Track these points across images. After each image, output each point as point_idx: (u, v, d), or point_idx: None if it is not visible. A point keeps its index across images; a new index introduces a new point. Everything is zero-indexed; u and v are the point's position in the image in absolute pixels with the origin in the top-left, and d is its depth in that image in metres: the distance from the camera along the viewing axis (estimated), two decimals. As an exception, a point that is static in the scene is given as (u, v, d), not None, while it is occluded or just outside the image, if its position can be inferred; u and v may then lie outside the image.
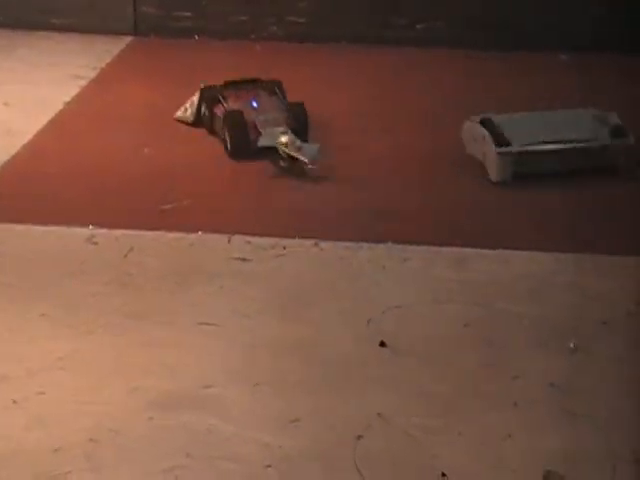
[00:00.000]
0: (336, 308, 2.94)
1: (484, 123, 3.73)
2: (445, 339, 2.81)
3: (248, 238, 3.27)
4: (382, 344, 2.76)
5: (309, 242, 3.26)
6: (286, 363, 2.70)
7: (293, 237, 3.28)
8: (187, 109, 4.09)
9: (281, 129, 3.76)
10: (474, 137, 3.76)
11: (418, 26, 4.98)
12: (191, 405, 2.54)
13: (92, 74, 4.61)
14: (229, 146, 3.85)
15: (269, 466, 2.36)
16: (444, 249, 3.24)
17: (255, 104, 3.94)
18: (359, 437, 2.44)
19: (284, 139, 3.71)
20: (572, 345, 2.76)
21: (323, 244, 3.25)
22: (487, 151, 3.69)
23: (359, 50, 4.88)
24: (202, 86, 4.07)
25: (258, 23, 5.06)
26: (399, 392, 2.60)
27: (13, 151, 3.85)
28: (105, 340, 2.78)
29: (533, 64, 4.69)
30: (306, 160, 3.66)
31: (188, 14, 5.10)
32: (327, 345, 2.78)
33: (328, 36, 5.01)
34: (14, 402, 2.52)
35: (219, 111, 3.95)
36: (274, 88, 4.05)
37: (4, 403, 2.52)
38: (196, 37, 5.11)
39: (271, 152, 3.71)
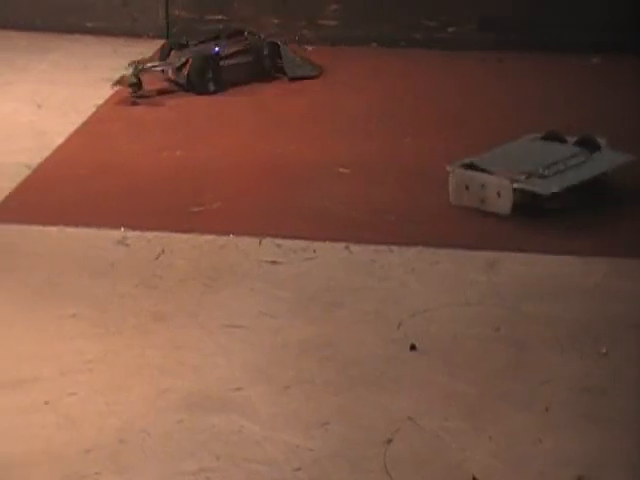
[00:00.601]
0: (366, 311, 2.94)
1: (472, 167, 3.46)
2: (475, 342, 2.80)
3: (279, 241, 3.27)
4: (412, 347, 2.76)
5: (339, 245, 3.26)
6: (315, 365, 2.70)
7: (323, 240, 3.28)
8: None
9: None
10: (466, 185, 3.45)
11: (449, 29, 4.97)
12: (220, 407, 2.54)
13: (125, 77, 4.63)
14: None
15: (299, 469, 2.36)
16: (474, 252, 3.23)
17: (217, 49, 4.45)
18: (389, 440, 2.44)
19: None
20: (604, 350, 2.75)
21: (353, 247, 3.25)
22: (489, 195, 3.38)
23: (389, 53, 4.88)
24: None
25: (289, 26, 5.07)
26: (429, 395, 2.59)
27: (46, 153, 3.88)
28: (134, 341, 2.79)
29: (564, 67, 4.67)
30: None
31: (219, 17, 5.11)
32: (357, 348, 2.78)
33: (359, 39, 5.01)
34: (46, 403, 2.54)
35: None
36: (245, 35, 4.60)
37: (36, 404, 2.53)
38: (228, 40, 5.12)
39: None
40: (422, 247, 3.25)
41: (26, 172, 3.73)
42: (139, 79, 4.33)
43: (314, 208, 3.53)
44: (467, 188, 3.45)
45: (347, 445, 2.43)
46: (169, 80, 4.45)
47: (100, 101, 4.36)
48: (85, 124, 4.15)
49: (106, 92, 4.44)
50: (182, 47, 4.51)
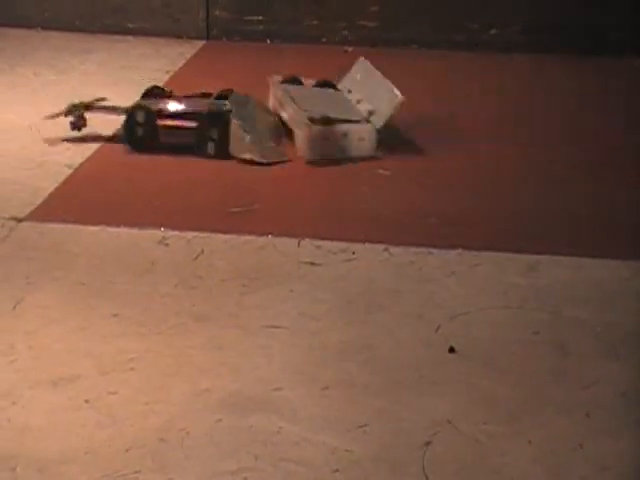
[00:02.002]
0: (405, 313, 2.93)
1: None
2: (516, 346, 2.79)
3: (318, 242, 3.27)
4: (451, 350, 2.75)
5: (379, 247, 3.25)
6: (354, 367, 2.70)
7: (363, 242, 3.27)
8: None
9: None
10: (325, 137, 3.77)
11: (492, 31, 4.96)
12: (259, 407, 2.55)
13: (165, 77, 4.66)
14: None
15: (337, 470, 2.35)
16: (515, 255, 3.21)
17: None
18: (427, 443, 2.43)
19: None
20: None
21: (393, 249, 3.24)
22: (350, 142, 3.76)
23: (430, 54, 4.87)
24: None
25: (329, 27, 5.08)
26: (468, 398, 2.58)
27: (88, 153, 3.90)
28: (174, 341, 2.80)
29: (606, 69, 4.64)
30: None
31: (260, 18, 5.13)
32: (395, 350, 2.77)
33: (399, 40, 5.01)
34: (86, 401, 2.55)
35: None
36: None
37: (77, 402, 2.55)
38: (268, 41, 5.14)
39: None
40: (462, 250, 3.24)
41: (67, 172, 3.76)
42: (82, 116, 3.97)
43: (353, 209, 3.53)
44: (326, 140, 3.76)
45: (385, 447, 2.42)
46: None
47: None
48: (126, 124, 4.17)
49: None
50: (156, 95, 4.05)
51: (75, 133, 3.98)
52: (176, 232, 3.33)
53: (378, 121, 3.82)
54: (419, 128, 4.15)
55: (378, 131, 3.81)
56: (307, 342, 2.80)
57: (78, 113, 3.98)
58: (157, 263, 3.17)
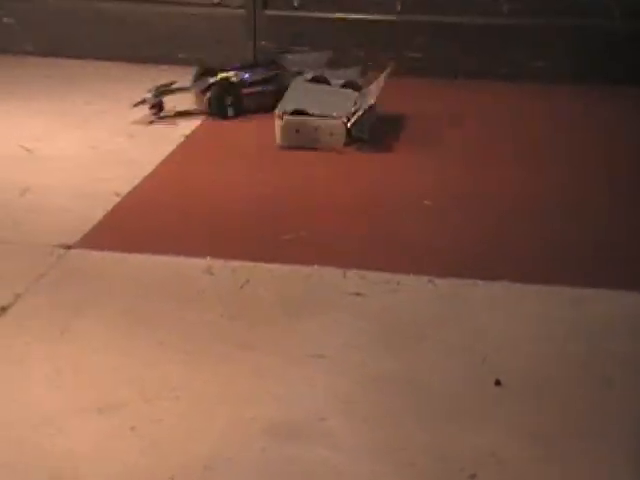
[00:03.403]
0: (450, 344, 2.92)
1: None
2: (561, 379, 2.77)
3: (363, 272, 3.28)
4: (497, 382, 2.74)
5: (423, 278, 3.25)
6: (398, 398, 2.70)
7: (407, 273, 3.27)
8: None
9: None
10: (297, 129, 4.16)
11: (538, 62, 4.95)
12: (304, 437, 2.55)
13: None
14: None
15: (380, 501, 2.35)
16: (560, 288, 3.19)
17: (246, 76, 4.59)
18: (472, 475, 2.42)
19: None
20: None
21: (437, 280, 3.24)
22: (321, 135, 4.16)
23: (476, 85, 4.88)
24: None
25: (375, 57, 5.10)
26: (514, 432, 2.56)
27: (136, 181, 3.95)
28: (219, 369, 2.81)
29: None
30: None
31: (305, 49, 5.16)
32: (439, 381, 2.77)
33: (445, 71, 5.02)
34: (131, 429, 2.57)
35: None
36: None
37: (122, 429, 2.56)
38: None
39: None
40: (507, 282, 3.23)
41: (116, 200, 3.80)
42: (161, 101, 4.47)
43: (398, 240, 3.54)
44: (297, 131, 4.16)
45: (430, 479, 2.41)
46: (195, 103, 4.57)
47: (188, 131, 4.43)
48: (174, 153, 4.22)
49: (195, 122, 4.51)
50: (212, 72, 4.61)
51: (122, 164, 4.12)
52: (221, 261, 3.35)
53: (351, 120, 4.20)
54: (461, 159, 4.16)
55: (348, 128, 4.20)
56: (351, 372, 2.80)
57: (156, 99, 4.47)
58: (203, 292, 3.19)
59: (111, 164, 4.09)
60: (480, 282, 3.22)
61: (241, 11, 5.24)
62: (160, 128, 4.45)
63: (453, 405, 2.67)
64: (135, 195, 3.86)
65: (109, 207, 3.73)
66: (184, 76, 4.70)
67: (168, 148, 4.17)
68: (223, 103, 4.52)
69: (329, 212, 3.76)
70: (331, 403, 2.67)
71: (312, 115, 4.19)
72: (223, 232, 3.60)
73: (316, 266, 3.33)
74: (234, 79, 4.56)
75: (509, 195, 3.86)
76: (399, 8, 5.11)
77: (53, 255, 3.38)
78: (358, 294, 3.17)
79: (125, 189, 3.88)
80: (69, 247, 3.44)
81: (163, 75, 4.97)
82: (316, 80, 4.54)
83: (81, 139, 4.34)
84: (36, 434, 2.54)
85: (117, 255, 3.40)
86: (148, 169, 4.04)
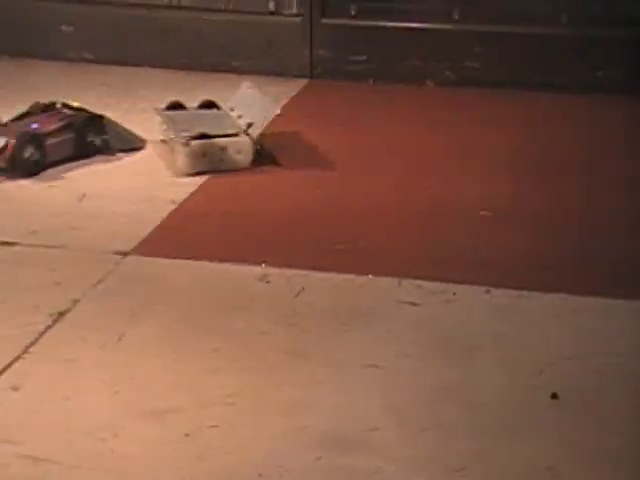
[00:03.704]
0: (505, 356, 2.90)
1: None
2: (620, 393, 2.73)
3: (418, 282, 3.27)
4: (554, 396, 2.71)
5: (480, 289, 3.23)
6: (452, 408, 2.68)
7: (463, 283, 3.26)
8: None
9: None
10: (203, 152, 4.04)
11: (598, 73, 4.91)
12: (357, 446, 2.54)
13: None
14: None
15: (434, 513, 2.34)
16: (618, 301, 3.16)
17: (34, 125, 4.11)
18: (527, 489, 2.40)
19: None
20: None
21: (494, 291, 3.22)
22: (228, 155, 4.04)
23: (535, 96, 4.85)
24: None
25: (432, 68, 5.08)
26: (570, 446, 2.53)
27: (191, 189, 3.97)
28: (273, 377, 2.82)
29: None
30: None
31: (363, 58, 5.16)
32: (495, 393, 2.75)
33: (503, 81, 4.99)
34: (186, 435, 2.58)
35: None
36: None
37: (177, 435, 2.58)
38: (370, 81, 5.17)
39: None
40: (564, 294, 3.20)
41: (172, 207, 3.82)
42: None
43: (455, 250, 3.52)
44: (204, 155, 4.03)
45: (484, 492, 2.40)
46: None
47: (244, 139, 4.44)
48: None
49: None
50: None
51: None
52: (277, 269, 3.36)
53: (254, 132, 4.11)
54: (522, 169, 4.13)
55: (254, 142, 4.11)
56: (405, 382, 2.79)
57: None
58: (257, 300, 3.20)
59: (168, 172, 4.11)
60: (537, 294, 3.20)
61: (295, 19, 5.25)
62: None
63: (508, 417, 2.64)
64: (191, 202, 3.88)
65: (165, 214, 3.76)
66: (238, 82, 4.71)
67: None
68: (27, 158, 3.99)
69: (384, 222, 3.75)
70: (384, 413, 2.66)
71: (215, 136, 4.05)
72: (279, 239, 3.60)
73: (371, 275, 3.32)
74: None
75: (566, 207, 3.83)
76: (456, 17, 5.09)
77: (110, 261, 3.41)
78: (413, 304, 3.16)
79: (181, 196, 3.90)
80: (125, 254, 3.46)
81: (217, 84, 5.00)
82: (172, 108, 4.37)
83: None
84: (92, 440, 2.56)
85: (172, 262, 3.42)
86: (203, 177, 4.06)
